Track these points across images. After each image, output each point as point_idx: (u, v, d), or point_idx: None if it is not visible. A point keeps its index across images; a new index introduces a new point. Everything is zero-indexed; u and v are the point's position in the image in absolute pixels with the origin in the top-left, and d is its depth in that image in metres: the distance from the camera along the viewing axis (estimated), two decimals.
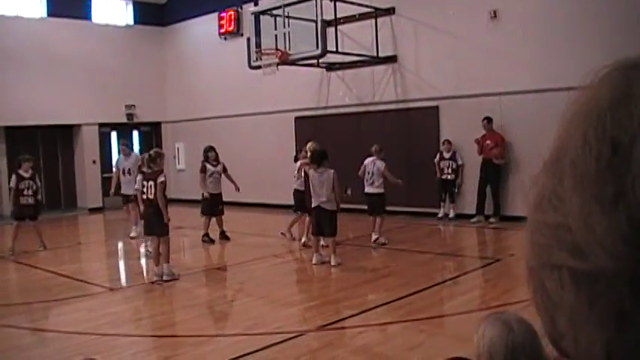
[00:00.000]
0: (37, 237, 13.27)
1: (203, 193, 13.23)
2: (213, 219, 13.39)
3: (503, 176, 14.00)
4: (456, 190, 15.18)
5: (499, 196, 14.00)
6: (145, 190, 10.28)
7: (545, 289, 0.55)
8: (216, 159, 13.43)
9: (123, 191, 14.22)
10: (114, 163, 15.37)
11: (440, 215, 15.21)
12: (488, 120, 14.08)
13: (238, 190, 13.60)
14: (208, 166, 13.29)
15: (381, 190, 12.39)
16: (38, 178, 13.79)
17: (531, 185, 0.59)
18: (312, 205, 10.85)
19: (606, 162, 0.50)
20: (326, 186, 10.61)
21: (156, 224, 10.23)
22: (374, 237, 12.47)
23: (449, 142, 14.92)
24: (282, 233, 13.36)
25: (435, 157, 14.97)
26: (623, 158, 0.50)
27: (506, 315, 1.38)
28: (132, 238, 14.08)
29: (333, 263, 10.69)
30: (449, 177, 14.94)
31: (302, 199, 12.39)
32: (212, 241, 13.22)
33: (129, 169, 14.13)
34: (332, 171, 10.70)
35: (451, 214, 15.13)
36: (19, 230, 13.10)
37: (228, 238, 13.41)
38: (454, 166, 14.90)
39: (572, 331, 0.53)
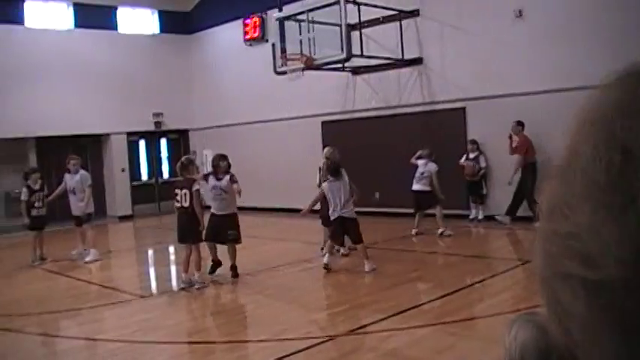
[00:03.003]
0: (38, 248, 13.47)
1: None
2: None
3: (538, 178, 13.63)
4: (484, 192, 15.04)
5: (532, 197, 13.67)
6: (178, 198, 10.24)
7: (558, 299, 0.54)
8: (227, 171, 10.72)
9: (73, 212, 13.44)
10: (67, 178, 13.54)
11: (471, 217, 15.13)
12: (518, 123, 13.89)
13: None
14: (210, 179, 10.78)
15: (428, 188, 13.14)
16: (46, 188, 13.76)
17: (543, 193, 0.58)
18: (333, 217, 10.63)
19: (616, 170, 0.49)
20: (343, 193, 10.52)
21: (189, 232, 10.22)
22: (440, 230, 13.31)
23: (474, 141, 14.82)
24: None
25: (462, 157, 14.87)
26: (633, 165, 0.49)
27: (539, 317, 1.34)
28: (87, 262, 13.05)
29: (367, 269, 10.45)
30: (474, 179, 14.83)
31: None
32: (213, 269, 10.81)
33: (73, 189, 13.31)
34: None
35: (480, 216, 15.03)
36: (37, 239, 13.46)
37: (236, 275, 10.72)
38: (477, 169, 14.78)
39: (585, 341, 0.52)
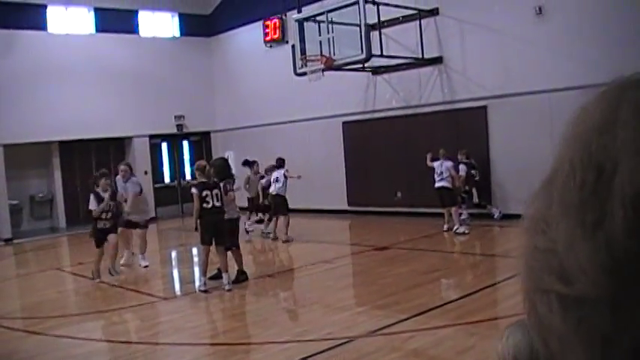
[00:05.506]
0: (109, 259, 11.56)
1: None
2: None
3: None
4: (473, 199, 15.06)
5: None
6: (208, 199, 10.01)
7: (537, 312, 0.56)
8: (219, 174, 10.65)
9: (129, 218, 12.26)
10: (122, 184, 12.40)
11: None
12: None
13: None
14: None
15: (449, 185, 13.57)
16: (114, 194, 11.72)
17: (527, 207, 0.59)
18: None
19: (590, 188, 0.50)
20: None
21: (223, 233, 10.14)
22: (455, 227, 13.58)
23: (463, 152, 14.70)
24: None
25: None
26: (606, 185, 0.49)
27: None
28: (124, 265, 12.50)
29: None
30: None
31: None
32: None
33: (125, 198, 12.09)
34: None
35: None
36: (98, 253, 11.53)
37: (246, 279, 10.67)
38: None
39: (560, 353, 0.54)
